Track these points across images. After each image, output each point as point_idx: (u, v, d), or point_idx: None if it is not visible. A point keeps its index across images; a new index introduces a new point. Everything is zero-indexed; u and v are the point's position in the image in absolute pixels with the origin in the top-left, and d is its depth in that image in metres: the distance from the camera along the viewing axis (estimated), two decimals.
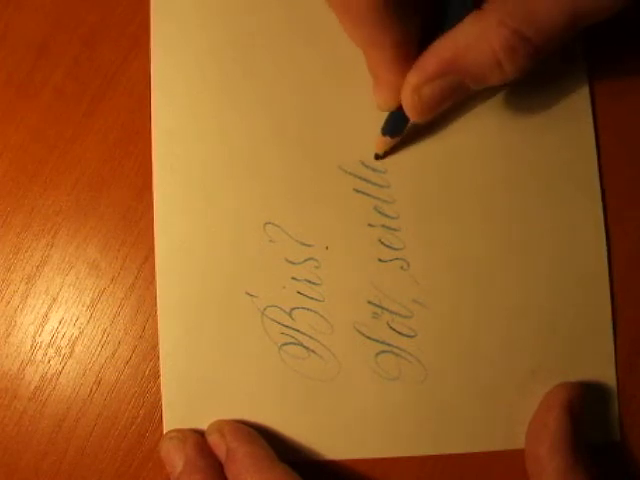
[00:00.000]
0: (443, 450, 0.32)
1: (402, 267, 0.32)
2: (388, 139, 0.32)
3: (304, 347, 0.32)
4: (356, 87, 0.33)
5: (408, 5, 0.28)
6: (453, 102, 0.30)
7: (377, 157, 0.33)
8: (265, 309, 0.32)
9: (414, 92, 0.29)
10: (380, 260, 0.33)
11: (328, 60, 0.33)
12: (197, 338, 0.32)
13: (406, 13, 0.28)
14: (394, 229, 0.33)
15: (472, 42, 0.27)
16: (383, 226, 0.33)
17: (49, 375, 0.32)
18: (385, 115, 0.31)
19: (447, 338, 0.32)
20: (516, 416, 0.32)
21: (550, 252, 0.33)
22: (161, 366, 0.32)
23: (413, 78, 0.29)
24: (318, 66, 0.33)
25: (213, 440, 0.31)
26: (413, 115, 0.30)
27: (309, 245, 0.33)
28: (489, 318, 0.32)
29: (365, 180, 0.33)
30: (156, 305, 0.32)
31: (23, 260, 0.33)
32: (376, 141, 0.32)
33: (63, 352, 0.33)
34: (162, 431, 0.32)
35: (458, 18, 0.28)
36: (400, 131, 0.32)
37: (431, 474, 0.32)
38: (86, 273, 0.33)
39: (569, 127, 0.33)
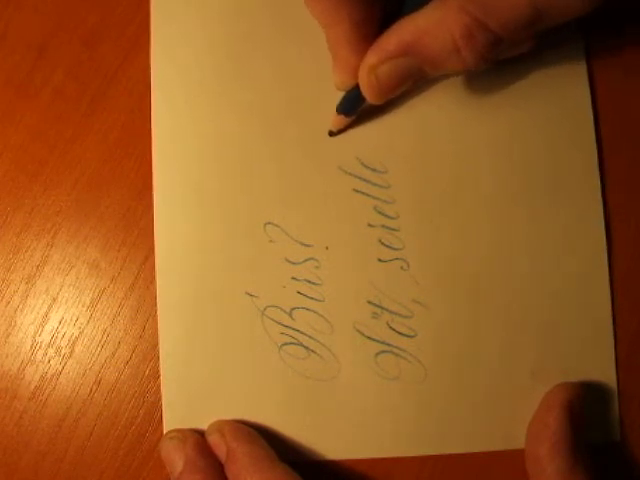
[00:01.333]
0: (443, 450, 0.32)
1: (402, 267, 0.32)
2: (343, 117, 0.32)
3: (304, 347, 0.32)
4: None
5: None
6: (409, 86, 0.30)
7: (331, 134, 0.33)
8: (265, 309, 0.32)
9: (371, 71, 0.29)
10: (380, 260, 0.33)
11: (327, 61, 0.33)
12: (197, 338, 0.32)
13: None
14: (394, 229, 0.33)
15: (432, 26, 0.27)
16: (383, 226, 0.33)
17: (49, 375, 0.32)
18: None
19: (447, 338, 0.32)
20: (516, 416, 0.32)
21: (550, 252, 0.33)
22: (161, 366, 0.32)
23: (371, 57, 0.29)
24: (317, 67, 0.33)
25: (213, 440, 0.31)
26: (369, 95, 0.30)
27: (309, 245, 0.33)
28: (489, 318, 0.32)
29: (365, 180, 0.33)
30: (156, 305, 0.32)
31: (23, 260, 0.33)
32: (331, 119, 0.32)
33: (63, 352, 0.33)
34: (162, 431, 0.32)
35: (422, 2, 0.28)
36: (354, 110, 0.32)
37: (431, 474, 0.32)
38: (86, 273, 0.33)
39: (569, 127, 0.33)
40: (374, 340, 0.32)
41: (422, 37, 0.27)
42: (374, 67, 0.29)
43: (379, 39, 0.29)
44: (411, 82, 0.30)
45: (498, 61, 0.29)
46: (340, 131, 0.33)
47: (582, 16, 0.27)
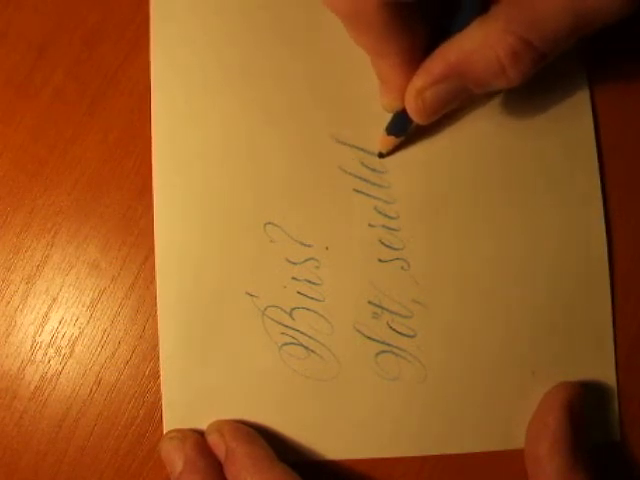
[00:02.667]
0: (443, 450, 0.32)
1: (402, 267, 0.32)
2: (392, 138, 0.32)
3: (304, 347, 0.32)
4: (358, 87, 0.33)
5: (416, 12, 0.28)
6: (456, 105, 0.30)
7: (381, 156, 0.33)
8: (265, 309, 0.32)
9: (418, 95, 0.29)
10: (380, 260, 0.33)
11: (329, 60, 0.33)
12: (197, 338, 0.32)
13: (414, 20, 0.28)
14: (394, 229, 0.33)
15: (477, 47, 0.27)
16: (383, 226, 0.33)
17: (49, 375, 0.32)
18: (387, 115, 0.32)
19: (447, 338, 0.32)
20: (516, 416, 0.32)
21: (550, 252, 0.33)
22: (161, 366, 0.32)
23: (418, 81, 0.29)
24: (319, 66, 0.33)
25: (213, 440, 0.31)
26: (417, 118, 0.30)
27: (309, 245, 0.33)
28: (489, 318, 0.32)
29: (365, 180, 0.33)
30: (156, 305, 0.32)
31: (23, 260, 0.33)
32: (380, 140, 0.33)
33: (63, 352, 0.33)
34: (162, 431, 0.32)
35: (465, 23, 0.28)
36: (404, 131, 0.32)
37: (431, 474, 0.32)
38: (86, 273, 0.33)
39: (569, 127, 0.33)
40: (374, 340, 0.32)
41: (467, 59, 0.28)
42: (421, 91, 0.29)
43: (425, 63, 0.29)
44: (458, 102, 0.30)
45: None
46: (389, 153, 0.33)
47: (621, 19, 0.27)
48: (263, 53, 0.33)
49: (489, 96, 0.33)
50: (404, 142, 0.33)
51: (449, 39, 0.28)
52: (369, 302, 0.32)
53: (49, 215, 0.33)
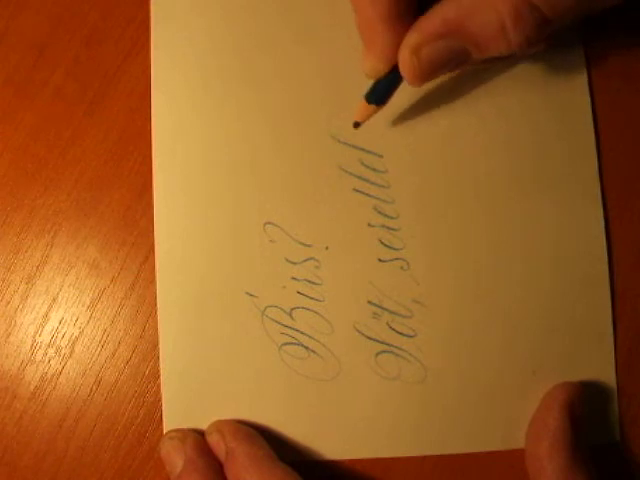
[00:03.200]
0: (443, 450, 0.32)
1: (402, 267, 0.32)
2: (371, 107, 0.30)
3: (304, 347, 0.32)
4: (358, 87, 0.33)
5: None
6: (451, 69, 0.29)
7: (356, 125, 0.31)
8: (265, 309, 0.32)
9: (412, 53, 0.28)
10: (380, 260, 0.33)
11: (329, 61, 0.33)
12: (197, 338, 0.32)
13: None
14: (394, 229, 0.33)
15: (478, 5, 0.26)
16: (383, 226, 0.33)
17: (49, 375, 0.32)
18: (388, 112, 0.31)
19: (447, 338, 0.32)
20: (516, 416, 0.32)
21: (551, 252, 0.33)
22: (161, 366, 0.32)
23: (413, 38, 0.27)
24: (318, 67, 0.33)
25: (213, 440, 0.31)
26: (410, 78, 0.28)
27: (309, 245, 0.33)
28: (489, 318, 0.32)
29: (365, 180, 0.33)
30: (156, 305, 0.32)
31: (23, 260, 0.33)
32: (358, 108, 0.31)
33: (63, 352, 0.33)
34: (162, 431, 0.32)
35: None
36: (385, 100, 0.30)
37: (431, 474, 0.32)
38: (86, 273, 0.33)
39: (569, 128, 0.33)
40: (374, 340, 0.32)
41: (468, 16, 0.26)
42: (417, 48, 0.27)
43: (421, 19, 0.27)
44: (454, 65, 0.28)
45: (502, 62, 0.29)
46: (364, 121, 0.31)
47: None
48: (263, 53, 0.33)
49: (490, 95, 0.33)
50: (406, 143, 0.33)
51: None
52: (369, 302, 0.32)
53: (49, 215, 0.33)
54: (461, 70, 0.31)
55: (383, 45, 0.28)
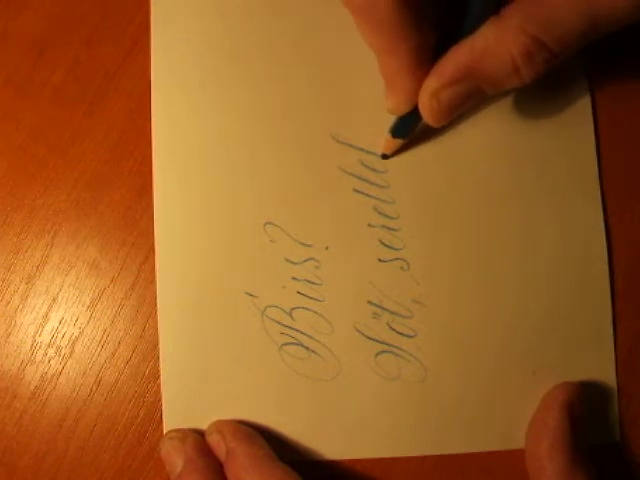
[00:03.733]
0: (443, 450, 0.32)
1: (402, 267, 0.32)
2: (397, 141, 0.32)
3: (304, 347, 0.32)
4: (358, 87, 0.33)
5: (427, 12, 0.28)
6: (470, 107, 0.30)
7: (384, 157, 0.33)
8: (265, 309, 0.32)
9: (432, 97, 0.29)
10: (380, 260, 0.33)
11: (330, 60, 0.33)
12: (197, 338, 0.32)
13: (425, 20, 0.28)
14: (394, 229, 0.33)
15: (490, 47, 0.27)
16: (383, 226, 0.33)
17: (49, 375, 0.32)
18: (387, 114, 0.31)
19: (447, 338, 0.32)
20: (516, 416, 0.32)
21: (550, 252, 0.33)
22: (161, 366, 0.32)
23: (432, 83, 0.29)
24: (317, 67, 0.33)
25: (213, 440, 0.31)
26: (431, 120, 0.30)
27: (309, 245, 0.33)
28: (489, 318, 0.32)
29: (365, 180, 0.33)
30: (156, 305, 0.32)
31: (23, 260, 0.33)
32: (384, 142, 0.33)
33: (63, 352, 0.33)
34: (162, 431, 0.32)
35: (477, 24, 0.28)
36: (409, 133, 0.32)
37: (431, 474, 0.32)
38: (86, 273, 0.33)
39: (569, 128, 0.33)
40: (374, 340, 0.32)
41: (481, 59, 0.28)
42: (435, 92, 0.29)
43: (438, 64, 0.29)
44: (472, 102, 0.30)
45: None
46: (394, 154, 0.33)
47: (637, 21, 0.27)
48: (263, 53, 0.33)
49: (490, 100, 0.33)
50: (407, 144, 0.33)
51: (462, 40, 0.28)
52: (369, 302, 0.32)
53: (49, 215, 0.33)
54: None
55: (405, 90, 0.30)
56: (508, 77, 0.28)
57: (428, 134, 0.33)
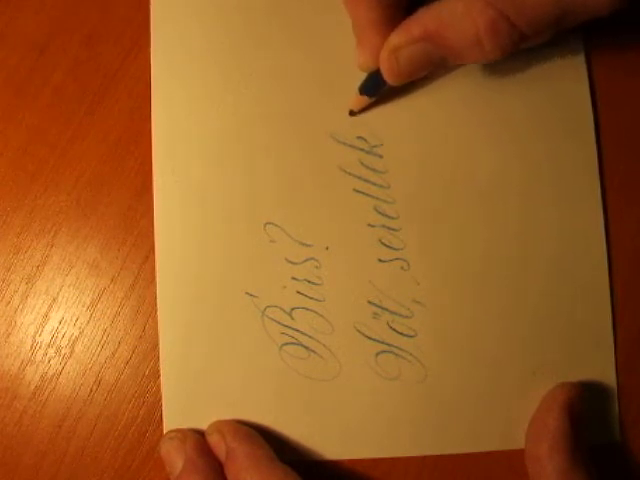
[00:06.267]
0: (443, 450, 0.32)
1: (402, 267, 0.32)
2: (365, 98, 0.32)
3: (304, 347, 0.32)
4: (356, 88, 0.33)
5: None
6: (428, 72, 0.30)
7: (352, 114, 0.33)
8: (265, 309, 0.32)
9: (392, 54, 0.29)
10: (380, 260, 0.33)
11: (327, 61, 0.33)
12: (197, 338, 0.32)
13: None
14: (394, 229, 0.33)
15: (457, 15, 0.28)
16: (383, 226, 0.33)
17: (49, 375, 0.32)
18: (388, 109, 0.32)
19: (447, 338, 0.32)
20: (516, 416, 0.32)
21: (551, 252, 0.33)
22: (161, 366, 0.32)
23: (394, 39, 0.29)
24: (317, 67, 0.33)
25: (213, 440, 0.31)
26: (389, 76, 0.30)
27: (309, 245, 0.33)
28: (489, 318, 0.32)
29: (365, 180, 0.33)
30: (156, 305, 0.32)
31: (23, 260, 0.33)
32: (353, 99, 0.33)
33: (63, 352, 0.33)
34: (162, 431, 0.32)
35: None
36: (377, 92, 0.32)
37: (431, 474, 0.32)
38: (86, 273, 0.33)
39: (569, 128, 0.33)
40: (374, 340, 0.32)
41: (446, 26, 0.28)
42: (396, 49, 0.29)
43: (404, 22, 0.29)
44: (431, 68, 0.30)
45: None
46: (361, 111, 0.33)
47: (606, 15, 0.27)
48: (263, 53, 0.33)
49: (489, 98, 0.33)
50: (407, 143, 0.33)
51: (430, 4, 0.28)
52: (369, 302, 0.32)
53: (49, 215, 0.33)
54: (443, 71, 0.33)
55: (373, 45, 0.30)
56: (470, 49, 0.28)
57: (428, 135, 0.33)
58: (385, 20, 0.30)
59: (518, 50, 0.29)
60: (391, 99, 0.33)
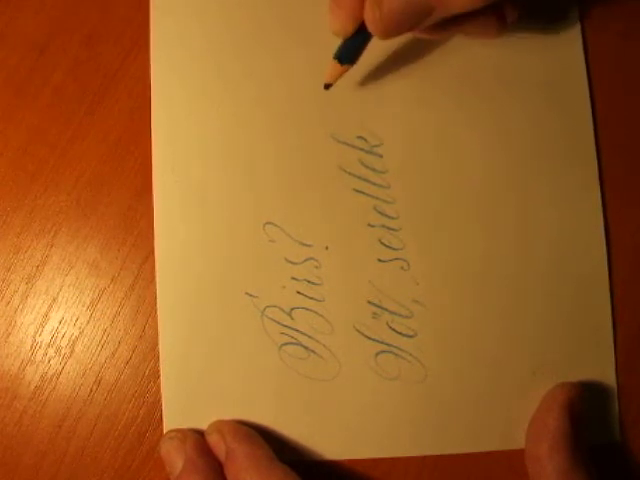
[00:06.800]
0: (443, 450, 0.32)
1: (402, 267, 0.32)
2: (340, 67, 0.30)
3: (304, 347, 0.32)
4: (358, 87, 0.33)
5: None
6: (417, 25, 0.28)
7: (327, 86, 0.32)
8: (265, 309, 0.32)
9: (375, 4, 0.28)
10: (380, 260, 0.33)
11: (327, 61, 0.33)
12: (197, 338, 0.32)
13: None
14: (394, 229, 0.33)
15: None
16: (383, 226, 0.33)
17: (49, 375, 0.32)
18: (388, 108, 0.32)
19: (447, 338, 0.32)
20: (516, 416, 0.32)
21: (550, 252, 0.33)
22: (161, 366, 0.32)
23: None
24: (317, 67, 0.33)
25: (213, 440, 0.31)
26: (374, 30, 0.28)
27: (309, 245, 0.33)
28: (489, 318, 0.32)
29: (365, 180, 0.33)
30: (156, 305, 0.32)
31: (23, 260, 0.33)
32: (329, 69, 0.31)
33: (63, 352, 0.33)
34: (162, 431, 0.32)
35: None
36: (354, 59, 0.31)
37: (431, 474, 0.32)
38: (86, 273, 0.33)
39: (568, 126, 0.33)
40: (374, 340, 0.32)
41: None
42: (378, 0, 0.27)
43: None
44: (418, 19, 0.28)
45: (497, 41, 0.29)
46: (335, 81, 0.31)
47: None
48: (263, 53, 0.33)
49: (489, 97, 0.33)
50: (407, 143, 0.33)
51: None
52: (369, 302, 0.32)
53: (49, 215, 0.33)
54: (436, 37, 0.31)
55: (349, 5, 0.29)
56: None
57: (428, 134, 0.33)
58: None
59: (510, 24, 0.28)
60: (391, 99, 0.33)
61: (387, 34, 0.29)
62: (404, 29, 0.29)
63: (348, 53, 0.30)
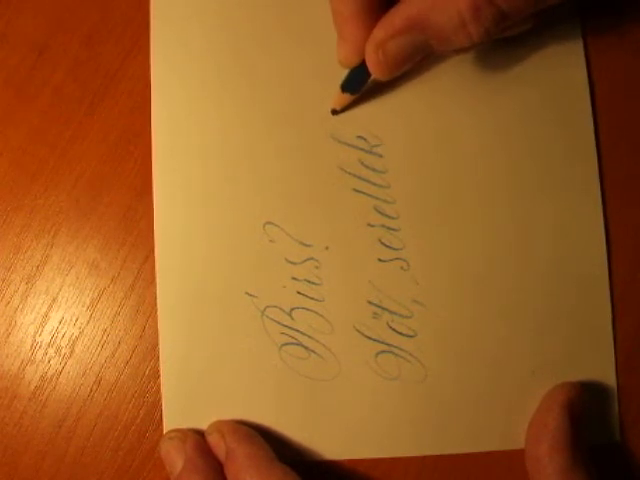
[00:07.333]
0: (443, 450, 0.32)
1: (402, 267, 0.32)
2: (347, 95, 0.32)
3: (304, 347, 0.32)
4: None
5: None
6: (416, 62, 0.30)
7: (334, 112, 0.33)
8: (265, 309, 0.32)
9: (378, 47, 0.29)
10: (380, 260, 0.33)
11: (327, 61, 0.33)
12: (197, 338, 0.32)
13: None
14: (394, 229, 0.33)
15: (439, 1, 0.28)
16: (383, 226, 0.33)
17: (49, 375, 0.32)
18: (389, 110, 0.32)
19: (447, 338, 0.32)
20: (516, 416, 0.32)
21: (550, 252, 0.33)
22: (161, 366, 0.32)
23: (379, 33, 0.29)
24: (317, 67, 0.33)
25: (213, 440, 0.31)
26: (376, 71, 0.30)
27: (309, 245, 0.33)
28: (489, 318, 0.32)
29: (365, 180, 0.33)
30: (156, 305, 0.32)
31: (23, 260, 0.33)
32: (335, 97, 0.32)
33: (63, 352, 0.33)
34: (162, 431, 0.32)
35: None
36: (359, 88, 0.32)
37: (431, 474, 0.32)
38: (86, 273, 0.33)
39: (569, 127, 0.33)
40: (374, 340, 0.32)
41: (429, 12, 0.28)
42: (382, 43, 0.29)
43: (386, 15, 0.29)
44: (419, 58, 0.30)
45: (497, 42, 0.29)
46: (343, 109, 0.33)
47: None
48: (263, 53, 0.33)
49: (489, 97, 0.33)
50: (407, 143, 0.33)
51: None
52: (369, 302, 0.32)
53: (49, 215, 0.33)
54: (432, 60, 0.32)
55: (354, 38, 0.30)
56: (455, 33, 0.28)
57: (428, 134, 0.33)
58: (367, 12, 0.29)
59: (505, 36, 0.29)
60: (391, 99, 0.33)
61: (390, 76, 0.30)
62: (404, 68, 0.30)
63: (351, 84, 0.32)
